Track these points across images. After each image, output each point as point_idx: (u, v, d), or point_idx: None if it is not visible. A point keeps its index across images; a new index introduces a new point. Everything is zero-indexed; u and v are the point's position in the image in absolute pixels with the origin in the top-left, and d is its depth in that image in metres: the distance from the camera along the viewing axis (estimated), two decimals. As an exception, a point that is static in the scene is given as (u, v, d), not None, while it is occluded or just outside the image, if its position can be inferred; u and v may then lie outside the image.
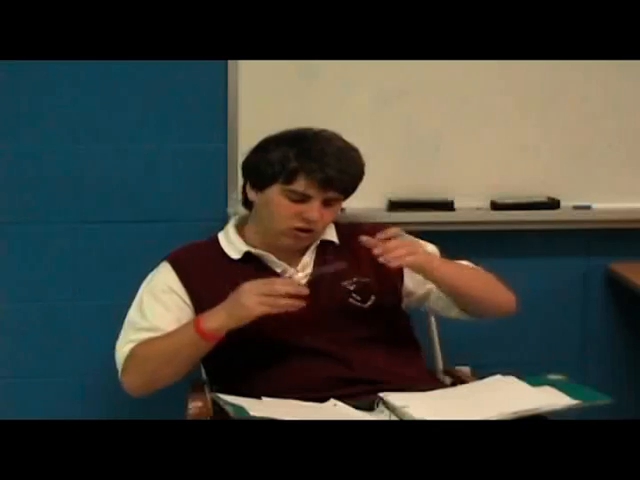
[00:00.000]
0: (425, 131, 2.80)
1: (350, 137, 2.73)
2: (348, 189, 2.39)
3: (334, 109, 2.75)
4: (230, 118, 2.69)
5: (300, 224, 2.33)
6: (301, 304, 2.18)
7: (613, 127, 2.88)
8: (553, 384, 2.17)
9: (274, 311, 2.18)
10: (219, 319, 2.21)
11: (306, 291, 2.19)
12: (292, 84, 2.72)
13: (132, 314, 2.38)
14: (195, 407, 2.26)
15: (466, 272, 2.44)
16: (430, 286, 2.43)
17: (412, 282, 2.45)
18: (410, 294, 2.47)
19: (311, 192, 2.32)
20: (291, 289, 2.19)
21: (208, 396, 2.32)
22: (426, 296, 2.47)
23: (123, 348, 2.34)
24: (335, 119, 2.73)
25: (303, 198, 2.32)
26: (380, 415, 2.15)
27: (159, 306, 2.35)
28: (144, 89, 2.69)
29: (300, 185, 2.32)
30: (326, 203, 2.34)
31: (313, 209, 2.32)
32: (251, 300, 2.18)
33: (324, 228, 2.41)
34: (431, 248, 2.49)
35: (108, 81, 2.66)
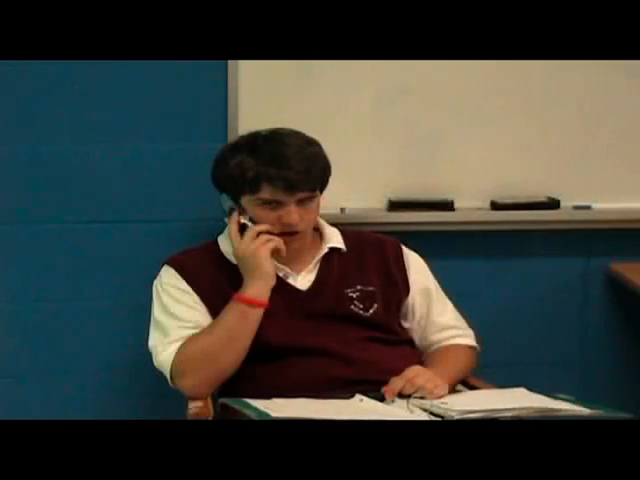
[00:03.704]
0: (425, 131, 2.80)
1: (350, 137, 2.76)
2: (317, 186, 2.36)
3: (334, 109, 2.75)
4: (230, 118, 2.69)
5: (283, 229, 2.32)
6: (280, 241, 2.30)
7: (613, 127, 2.87)
8: (567, 400, 2.18)
9: (273, 245, 2.28)
10: (253, 285, 2.27)
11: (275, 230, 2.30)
12: (292, 84, 2.72)
13: (160, 318, 2.35)
14: (195, 407, 2.26)
15: (456, 375, 2.39)
16: (421, 319, 2.47)
17: (415, 302, 2.47)
18: (407, 307, 2.47)
19: (280, 197, 2.30)
20: (264, 228, 2.30)
21: (208, 397, 2.32)
22: (413, 319, 2.48)
23: (167, 349, 2.30)
24: (335, 119, 2.75)
25: (275, 204, 2.31)
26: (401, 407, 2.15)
27: (183, 305, 2.34)
28: (144, 89, 2.68)
29: (266, 192, 2.30)
30: (302, 202, 2.32)
31: (290, 213, 2.30)
32: (252, 249, 2.27)
33: (310, 226, 2.40)
34: (414, 259, 2.50)
35: (108, 81, 2.66)
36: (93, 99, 2.67)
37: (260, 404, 2.08)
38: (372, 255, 2.46)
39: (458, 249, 2.86)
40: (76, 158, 2.69)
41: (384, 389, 2.21)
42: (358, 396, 2.21)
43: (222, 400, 2.23)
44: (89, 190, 2.71)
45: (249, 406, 2.08)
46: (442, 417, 2.05)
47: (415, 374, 2.23)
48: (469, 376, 2.46)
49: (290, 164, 2.29)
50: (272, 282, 2.30)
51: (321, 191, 2.39)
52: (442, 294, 2.52)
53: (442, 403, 2.11)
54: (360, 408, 2.16)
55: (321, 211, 2.44)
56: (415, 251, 2.53)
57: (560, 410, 2.09)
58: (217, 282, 2.36)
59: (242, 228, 2.34)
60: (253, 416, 2.02)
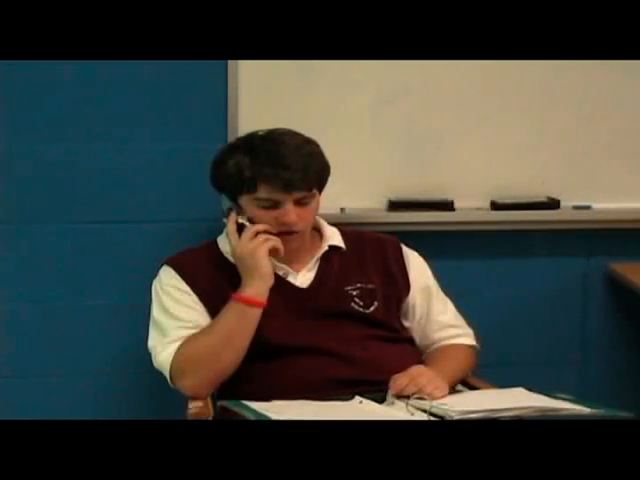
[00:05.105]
0: (425, 131, 2.80)
1: (350, 137, 2.76)
2: (314, 185, 2.35)
3: (334, 109, 2.75)
4: (230, 118, 2.69)
5: (281, 228, 2.32)
6: (278, 241, 2.30)
7: (613, 127, 2.87)
8: (567, 400, 2.18)
9: (271, 244, 2.28)
10: (251, 285, 2.27)
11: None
12: (292, 84, 2.72)
13: (160, 318, 2.35)
14: (195, 407, 2.26)
15: (456, 375, 2.39)
16: (421, 318, 2.47)
17: (416, 301, 2.47)
18: (407, 306, 2.47)
19: (277, 197, 2.30)
20: (261, 227, 2.30)
21: (208, 397, 2.32)
22: (413, 317, 2.48)
23: (167, 350, 2.30)
24: (335, 119, 2.75)
25: (273, 204, 2.30)
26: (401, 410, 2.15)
27: (182, 306, 2.34)
28: (144, 89, 2.68)
29: (263, 192, 2.30)
30: (300, 202, 2.32)
31: (287, 213, 2.30)
32: (250, 249, 2.27)
33: (308, 226, 2.39)
34: (414, 257, 2.51)
35: (108, 81, 2.65)
36: (93, 99, 2.67)
37: (259, 406, 2.08)
38: (372, 253, 2.46)
39: (458, 249, 2.86)
40: (76, 158, 2.69)
41: (390, 384, 2.20)
42: (357, 398, 2.21)
43: (221, 403, 2.22)
44: (89, 190, 2.71)
45: (248, 408, 2.08)
46: (442, 418, 2.05)
47: (418, 373, 2.23)
48: (469, 376, 2.46)
49: (287, 163, 2.29)
50: (270, 282, 2.30)
51: (320, 190, 2.38)
52: (442, 293, 2.52)
53: (442, 404, 2.11)
54: (359, 410, 2.16)
55: (321, 211, 2.44)
56: (415, 251, 2.53)
57: (560, 410, 2.09)
58: (216, 282, 2.36)
59: (240, 228, 2.34)
60: (252, 418, 2.02)
